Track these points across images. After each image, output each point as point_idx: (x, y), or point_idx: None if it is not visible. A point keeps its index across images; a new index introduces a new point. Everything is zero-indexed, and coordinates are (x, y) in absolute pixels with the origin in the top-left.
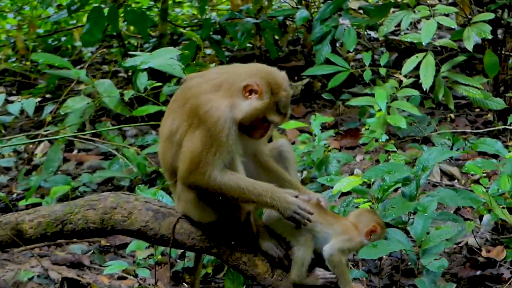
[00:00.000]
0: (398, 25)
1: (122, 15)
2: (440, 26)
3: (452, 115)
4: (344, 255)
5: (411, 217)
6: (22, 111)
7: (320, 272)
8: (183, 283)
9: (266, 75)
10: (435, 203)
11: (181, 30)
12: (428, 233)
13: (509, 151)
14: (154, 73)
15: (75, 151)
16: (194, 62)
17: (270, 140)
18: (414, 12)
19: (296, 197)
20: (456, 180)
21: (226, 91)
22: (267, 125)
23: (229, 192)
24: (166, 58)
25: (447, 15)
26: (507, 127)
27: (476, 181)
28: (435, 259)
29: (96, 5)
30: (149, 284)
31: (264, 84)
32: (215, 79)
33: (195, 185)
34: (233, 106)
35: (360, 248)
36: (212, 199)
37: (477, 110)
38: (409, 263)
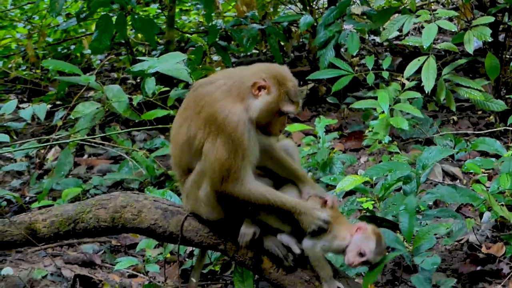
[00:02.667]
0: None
1: (130, 22)
2: (444, 31)
3: (455, 117)
4: (324, 251)
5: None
6: (33, 117)
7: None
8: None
9: (270, 70)
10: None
11: (188, 35)
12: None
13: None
14: (162, 79)
15: (85, 156)
16: (200, 66)
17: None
18: (416, 16)
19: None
20: (458, 180)
21: (236, 95)
22: (283, 118)
23: (258, 202)
24: (173, 63)
25: (451, 20)
26: (508, 128)
27: (478, 181)
28: (428, 256)
29: (104, 13)
30: (159, 282)
31: (270, 78)
32: (224, 85)
33: (227, 193)
34: (247, 108)
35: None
36: (223, 199)
37: (479, 112)
38: (412, 260)
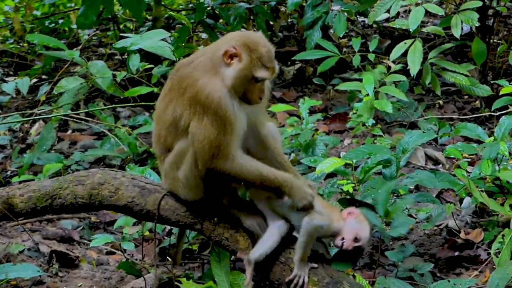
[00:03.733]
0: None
1: None
2: (434, 14)
3: (441, 102)
4: (317, 233)
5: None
6: (18, 91)
7: None
8: (168, 259)
9: (241, 37)
10: (406, 186)
11: (172, 13)
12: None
13: (490, 136)
14: (148, 55)
15: (69, 131)
16: (184, 44)
17: None
18: None
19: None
20: (440, 165)
21: (211, 68)
22: (261, 85)
23: (249, 177)
24: (156, 40)
25: (441, 4)
26: (492, 113)
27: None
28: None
29: None
30: (136, 259)
31: (241, 45)
32: (200, 62)
33: (218, 170)
34: (223, 79)
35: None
36: (208, 178)
37: (466, 97)
38: (390, 243)
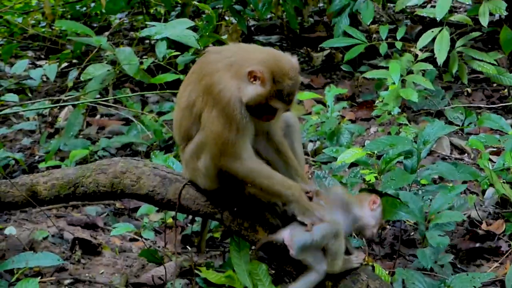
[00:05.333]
0: None
1: None
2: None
3: (469, 89)
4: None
5: (411, 190)
6: (48, 76)
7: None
8: (189, 247)
9: (273, 63)
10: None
11: (195, 3)
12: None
13: None
14: (176, 42)
15: (97, 116)
16: (208, 33)
17: None
18: None
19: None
20: (466, 154)
21: (235, 72)
22: (273, 112)
23: (257, 182)
24: (180, 29)
25: None
26: None
27: None
28: (439, 235)
29: None
30: (159, 247)
31: (268, 72)
32: (229, 57)
33: (226, 169)
34: (240, 88)
35: None
36: (222, 173)
37: (494, 85)
38: (411, 234)
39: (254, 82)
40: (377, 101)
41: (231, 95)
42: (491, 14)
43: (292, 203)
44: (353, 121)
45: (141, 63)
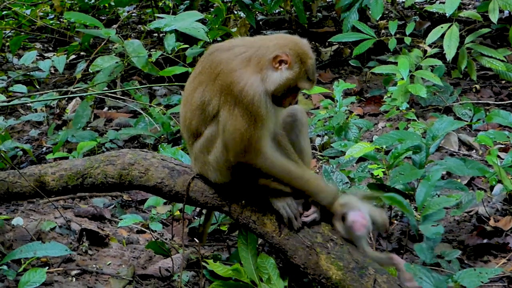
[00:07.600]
0: None
1: None
2: None
3: (478, 86)
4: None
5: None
6: (56, 68)
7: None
8: (197, 239)
9: (294, 45)
10: (439, 172)
11: None
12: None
13: None
14: (184, 35)
15: (105, 108)
16: (217, 26)
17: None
18: None
19: None
20: (474, 150)
21: (256, 65)
22: (296, 93)
23: (279, 174)
24: (190, 22)
25: None
26: None
27: None
28: (432, 225)
29: None
30: (166, 239)
31: (293, 54)
32: (243, 53)
33: (249, 164)
34: (264, 80)
35: None
36: (237, 167)
37: (503, 81)
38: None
39: (279, 67)
40: (385, 97)
41: (254, 91)
42: (500, 10)
43: (314, 192)
44: (361, 116)
45: (150, 55)
